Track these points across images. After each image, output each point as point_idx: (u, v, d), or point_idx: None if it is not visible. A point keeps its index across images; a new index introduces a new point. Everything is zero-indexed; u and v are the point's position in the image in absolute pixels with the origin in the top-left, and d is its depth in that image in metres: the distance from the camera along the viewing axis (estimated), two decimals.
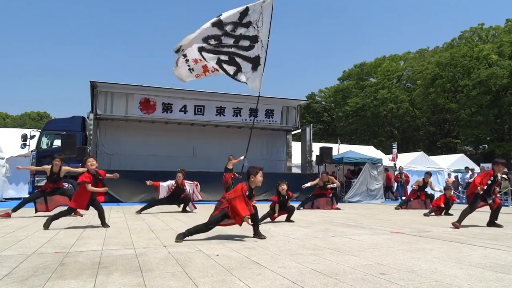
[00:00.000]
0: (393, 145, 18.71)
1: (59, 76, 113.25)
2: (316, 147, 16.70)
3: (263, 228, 5.88)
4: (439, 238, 4.98)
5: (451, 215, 8.79)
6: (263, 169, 4.86)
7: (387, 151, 29.24)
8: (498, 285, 2.63)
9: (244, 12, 9.49)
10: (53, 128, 13.94)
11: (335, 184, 10.61)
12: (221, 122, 16.04)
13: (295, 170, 17.59)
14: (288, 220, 6.88)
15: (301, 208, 10.35)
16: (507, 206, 14.58)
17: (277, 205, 6.73)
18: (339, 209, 10.43)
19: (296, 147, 18.09)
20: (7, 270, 2.96)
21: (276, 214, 6.74)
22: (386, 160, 18.87)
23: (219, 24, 9.42)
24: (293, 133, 18.09)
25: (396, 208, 11.12)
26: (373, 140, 40.51)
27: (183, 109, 15.22)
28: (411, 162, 19.59)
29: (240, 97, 15.86)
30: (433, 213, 8.96)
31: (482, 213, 7.82)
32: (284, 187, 6.76)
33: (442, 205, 9.04)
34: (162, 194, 8.65)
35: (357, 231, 5.58)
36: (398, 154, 18.95)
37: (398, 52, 47.81)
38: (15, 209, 7.29)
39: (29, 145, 13.17)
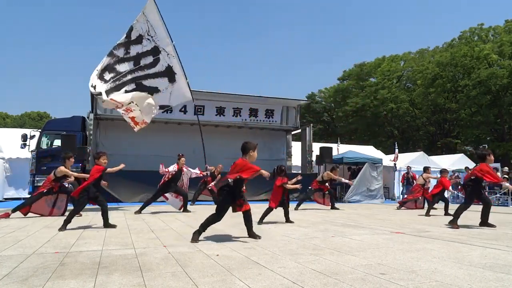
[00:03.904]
0: (395, 145, 18.74)
1: (59, 76, 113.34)
2: (316, 147, 16.69)
3: (263, 228, 5.88)
4: (439, 238, 4.98)
5: (451, 215, 8.79)
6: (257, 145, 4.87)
7: (387, 151, 29.21)
8: (498, 285, 2.63)
9: (129, 30, 8.13)
10: (53, 128, 13.94)
11: (342, 179, 11.36)
12: (221, 122, 16.03)
13: (295, 170, 17.58)
14: (287, 221, 6.84)
15: (298, 208, 10.34)
16: (507, 206, 14.59)
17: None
18: (335, 208, 10.50)
19: (296, 147, 18.08)
20: (7, 270, 2.96)
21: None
22: (386, 160, 18.87)
23: (110, 53, 8.00)
24: (293, 133, 18.08)
25: (397, 208, 11.16)
26: (373, 140, 40.47)
27: (183, 109, 15.22)
28: (411, 162, 19.57)
29: (240, 97, 15.86)
30: (431, 212, 8.95)
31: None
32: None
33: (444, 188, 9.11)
34: (164, 179, 8.62)
35: (357, 231, 5.58)
36: (398, 154, 18.97)
37: (398, 52, 47.82)
38: (14, 210, 7.28)
39: (29, 145, 13.16)
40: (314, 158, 15.98)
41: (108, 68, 7.72)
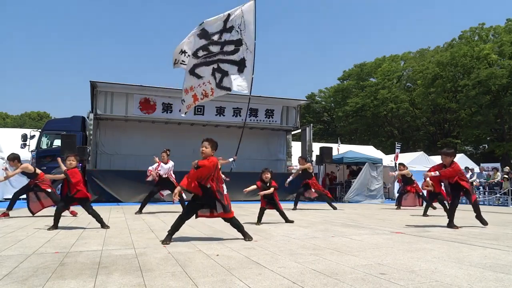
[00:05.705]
0: (397, 145, 18.67)
1: (59, 76, 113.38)
2: (316, 147, 16.69)
3: (262, 228, 5.88)
4: (439, 238, 4.98)
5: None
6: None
7: (387, 151, 29.21)
8: (498, 285, 2.63)
9: (227, 19, 9.22)
10: (53, 128, 13.96)
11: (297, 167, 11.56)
12: (221, 122, 16.03)
13: (295, 170, 17.58)
14: (287, 221, 6.80)
15: (296, 208, 10.31)
16: (507, 206, 14.59)
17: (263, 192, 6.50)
18: (333, 206, 10.51)
19: (296, 147, 18.08)
20: (7, 270, 2.96)
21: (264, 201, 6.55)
22: (386, 160, 18.87)
23: (205, 35, 9.12)
24: (293, 133, 18.08)
25: (397, 208, 11.15)
26: (373, 140, 40.49)
27: None
28: (411, 162, 19.60)
29: (240, 97, 15.84)
30: (427, 213, 8.91)
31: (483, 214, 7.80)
32: (268, 175, 6.61)
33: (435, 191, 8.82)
34: (150, 178, 8.55)
35: (357, 231, 5.58)
36: (399, 154, 18.95)
37: (398, 52, 47.83)
38: (9, 208, 7.27)
39: (29, 145, 13.18)
40: (314, 158, 15.98)
41: (202, 47, 9.01)
